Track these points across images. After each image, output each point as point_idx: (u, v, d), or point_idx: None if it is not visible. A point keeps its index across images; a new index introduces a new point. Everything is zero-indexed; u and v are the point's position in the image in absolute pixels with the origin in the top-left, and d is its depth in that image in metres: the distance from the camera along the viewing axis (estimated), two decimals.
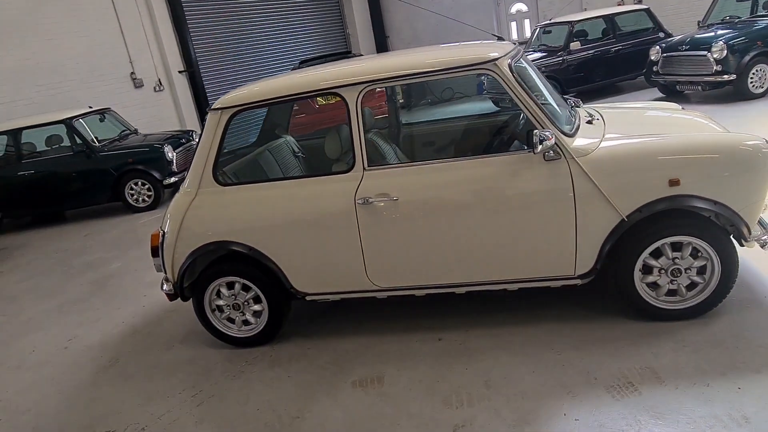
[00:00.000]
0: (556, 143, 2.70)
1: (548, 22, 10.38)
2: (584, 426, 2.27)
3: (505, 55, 2.83)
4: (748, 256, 3.33)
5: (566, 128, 2.85)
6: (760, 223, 2.94)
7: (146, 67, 10.84)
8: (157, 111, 10.93)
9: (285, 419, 2.65)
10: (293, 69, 10.31)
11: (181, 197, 3.26)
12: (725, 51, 7.36)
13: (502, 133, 3.38)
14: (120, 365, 3.46)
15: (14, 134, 7.68)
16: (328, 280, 3.16)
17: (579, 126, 2.98)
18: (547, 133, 2.63)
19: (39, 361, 3.70)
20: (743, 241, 2.72)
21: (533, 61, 9.46)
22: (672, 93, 8.63)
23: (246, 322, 3.35)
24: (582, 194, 2.73)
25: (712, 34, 7.85)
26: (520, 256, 2.88)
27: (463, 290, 3.05)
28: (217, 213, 3.18)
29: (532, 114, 2.76)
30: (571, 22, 9.55)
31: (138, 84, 10.73)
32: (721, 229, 2.72)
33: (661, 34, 9.61)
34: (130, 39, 10.52)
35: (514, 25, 13.33)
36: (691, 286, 2.82)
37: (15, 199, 7.68)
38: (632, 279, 2.82)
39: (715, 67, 7.50)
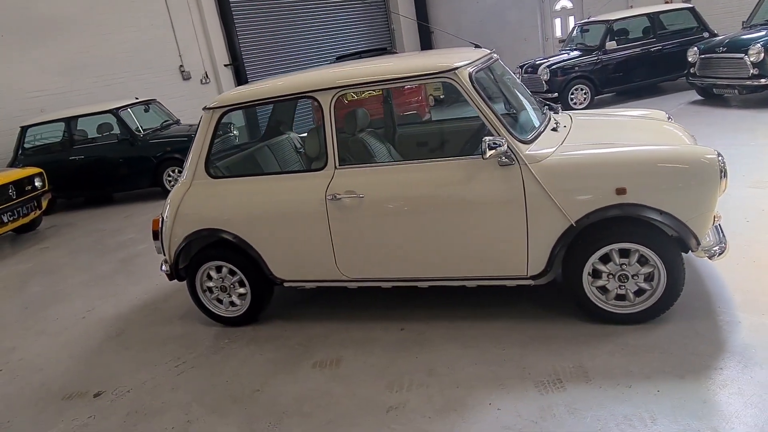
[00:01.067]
0: (509, 149, 2.85)
1: (586, 20, 10.22)
2: (503, 414, 2.44)
3: (466, 65, 2.99)
4: (719, 267, 3.35)
5: (524, 135, 2.98)
6: (718, 231, 3.00)
7: (194, 61, 11.45)
8: (203, 102, 11.45)
9: (247, 391, 2.95)
10: (329, 65, 10.54)
11: (178, 187, 3.61)
12: (762, 54, 7.10)
13: (472, 137, 3.53)
14: (124, 336, 3.87)
15: (68, 122, 8.39)
16: (302, 269, 3.42)
17: (541, 133, 3.10)
18: (498, 140, 2.78)
19: (59, 329, 4.17)
20: (691, 251, 2.79)
21: (570, 60, 9.40)
22: (710, 96, 8.37)
23: (232, 303, 3.67)
24: (533, 199, 2.86)
25: (752, 35, 7.56)
26: (475, 255, 3.05)
27: (425, 284, 3.25)
28: (207, 202, 3.50)
29: (488, 121, 2.92)
30: (609, 20, 9.38)
31: (186, 76, 11.36)
32: (669, 238, 2.79)
33: (706, 34, 9.29)
34: (179, 34, 11.14)
35: (558, 22, 13.13)
36: (640, 292, 2.91)
37: (67, 181, 8.37)
38: (581, 282, 2.94)
39: (751, 71, 7.24)
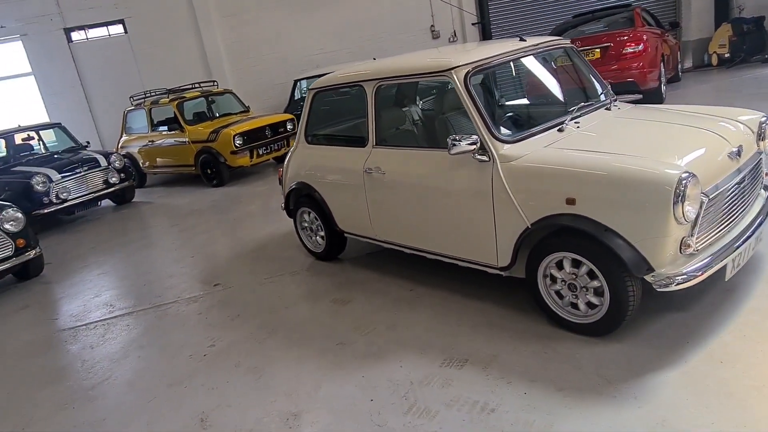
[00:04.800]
0: (483, 147, 3.08)
1: None
2: (399, 371, 2.91)
3: (466, 65, 3.22)
4: (753, 302, 2.92)
5: (511, 135, 3.12)
6: (709, 262, 2.67)
7: (444, 20, 12.37)
8: None
9: (279, 307, 3.98)
10: (558, 27, 10.54)
11: (292, 148, 4.73)
12: None
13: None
14: (261, 251, 5.31)
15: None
16: (354, 225, 4.21)
17: (537, 133, 3.14)
18: (469, 138, 3.03)
19: (237, 237, 5.89)
20: (640, 276, 2.63)
21: None
22: None
23: (318, 242, 4.71)
24: (499, 196, 3.05)
25: None
26: (457, 237, 3.38)
27: (430, 256, 3.70)
28: (303, 162, 4.54)
29: (473, 119, 3.15)
30: None
31: (435, 35, 12.41)
32: (616, 256, 2.66)
33: None
34: None
35: None
36: (592, 305, 2.86)
37: None
38: (537, 282, 3.03)
39: None
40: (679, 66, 11.51)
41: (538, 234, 2.95)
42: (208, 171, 9.00)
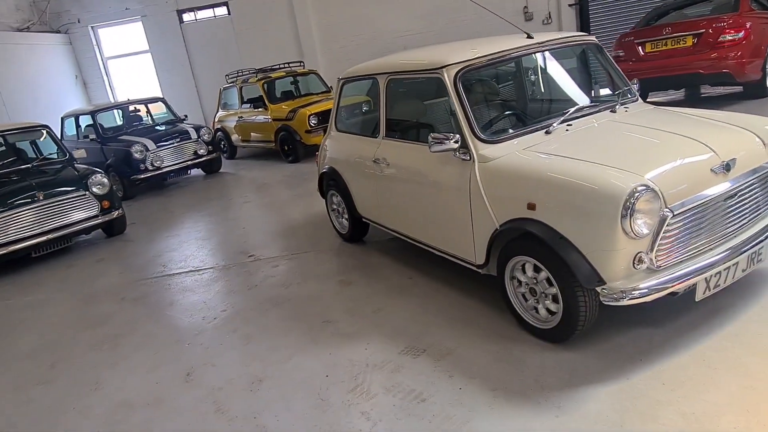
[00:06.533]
0: (464, 147, 3.13)
1: None
2: (361, 353, 3.11)
3: (454, 64, 3.26)
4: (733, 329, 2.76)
5: (489, 135, 3.13)
6: (668, 279, 2.57)
7: (539, 1, 11.88)
8: None
9: (292, 283, 4.31)
10: (656, 10, 9.99)
11: (326, 134, 5.00)
12: None
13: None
14: (301, 228, 5.68)
15: None
16: (368, 211, 4.42)
17: (518, 135, 3.13)
18: (448, 137, 3.10)
19: (285, 213, 6.32)
20: (591, 288, 2.60)
21: None
22: None
23: (344, 224, 4.97)
24: (474, 196, 3.11)
25: None
26: (442, 232, 3.48)
27: (424, 247, 3.82)
28: (333, 149, 4.79)
29: (459, 118, 3.20)
30: None
31: (528, 17, 11.97)
32: (569, 267, 2.63)
33: None
34: None
35: None
36: (551, 311, 2.85)
37: None
38: (504, 283, 3.06)
39: None
40: None
41: (506, 236, 2.97)
42: (286, 148, 9.57)
